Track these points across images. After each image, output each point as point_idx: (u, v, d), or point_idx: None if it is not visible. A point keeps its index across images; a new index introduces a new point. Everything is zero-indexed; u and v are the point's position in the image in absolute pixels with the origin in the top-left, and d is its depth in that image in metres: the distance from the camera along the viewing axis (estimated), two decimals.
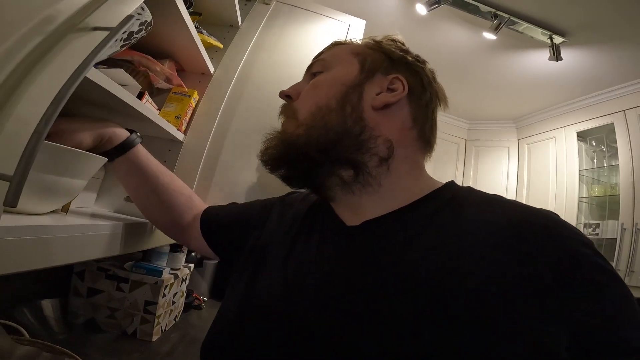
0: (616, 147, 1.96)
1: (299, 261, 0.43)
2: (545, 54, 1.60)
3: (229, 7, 1.05)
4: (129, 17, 0.40)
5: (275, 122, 0.51)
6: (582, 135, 2.15)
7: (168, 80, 0.87)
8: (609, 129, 2.00)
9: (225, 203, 0.72)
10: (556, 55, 1.55)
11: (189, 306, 1.47)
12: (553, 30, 1.46)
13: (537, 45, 1.62)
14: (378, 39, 0.51)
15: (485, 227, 0.35)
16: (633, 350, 0.29)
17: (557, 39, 1.49)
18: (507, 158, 2.44)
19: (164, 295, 1.13)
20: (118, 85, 0.50)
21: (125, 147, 0.58)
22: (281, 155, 0.45)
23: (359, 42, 0.51)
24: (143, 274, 1.08)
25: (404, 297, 0.33)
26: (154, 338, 1.12)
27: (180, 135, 0.88)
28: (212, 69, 1.01)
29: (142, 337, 1.10)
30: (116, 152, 0.57)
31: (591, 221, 2.08)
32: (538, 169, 2.31)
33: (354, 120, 0.43)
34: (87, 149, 0.51)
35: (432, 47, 1.81)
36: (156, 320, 1.11)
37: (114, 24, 0.41)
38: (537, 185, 2.28)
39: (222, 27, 1.14)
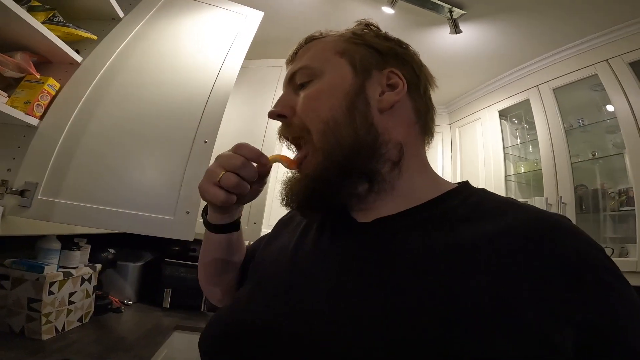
0: (534, 123, 2.04)
1: (308, 255, 0.42)
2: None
3: (103, 1, 1.07)
4: None
5: (145, 111, 0.52)
6: (503, 114, 2.22)
7: (21, 69, 0.90)
8: (526, 106, 2.08)
9: (88, 189, 0.78)
10: (455, 28, 1.61)
11: (103, 309, 1.44)
12: (450, 2, 1.52)
13: (439, 22, 1.68)
14: (355, 29, 0.47)
15: (499, 230, 0.35)
16: (638, 353, 0.29)
17: (456, 12, 1.56)
18: (441, 143, 2.48)
19: (52, 293, 1.10)
20: None
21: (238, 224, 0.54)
22: (307, 194, 0.41)
23: (335, 35, 0.47)
24: (23, 270, 1.06)
25: (413, 295, 0.32)
26: (45, 337, 1.09)
27: (33, 120, 0.88)
28: (80, 60, 1.02)
29: (30, 335, 1.07)
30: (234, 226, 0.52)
31: (520, 200, 2.13)
32: (468, 151, 2.36)
33: (366, 129, 0.41)
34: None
35: (336, 28, 1.86)
36: (44, 319, 1.08)
37: None
38: (468, 168, 2.33)
39: (103, 21, 1.15)
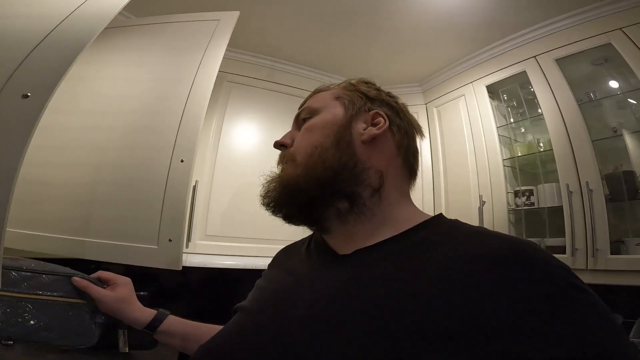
0: (533, 99, 1.67)
1: (292, 292, 0.46)
2: None
3: None
4: None
5: None
6: (492, 90, 1.87)
7: None
8: (523, 79, 1.72)
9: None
10: None
11: None
12: None
13: None
14: (353, 82, 0.57)
15: (471, 260, 0.37)
16: None
17: None
18: None
19: None
20: None
21: (151, 327, 0.68)
22: (282, 197, 0.49)
23: (336, 85, 0.57)
24: None
25: (395, 325, 0.34)
26: None
27: None
28: None
29: None
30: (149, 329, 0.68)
31: (522, 188, 1.71)
32: (451, 134, 1.97)
33: (348, 155, 0.48)
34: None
35: None
36: None
37: None
38: (454, 153, 1.95)
39: None
